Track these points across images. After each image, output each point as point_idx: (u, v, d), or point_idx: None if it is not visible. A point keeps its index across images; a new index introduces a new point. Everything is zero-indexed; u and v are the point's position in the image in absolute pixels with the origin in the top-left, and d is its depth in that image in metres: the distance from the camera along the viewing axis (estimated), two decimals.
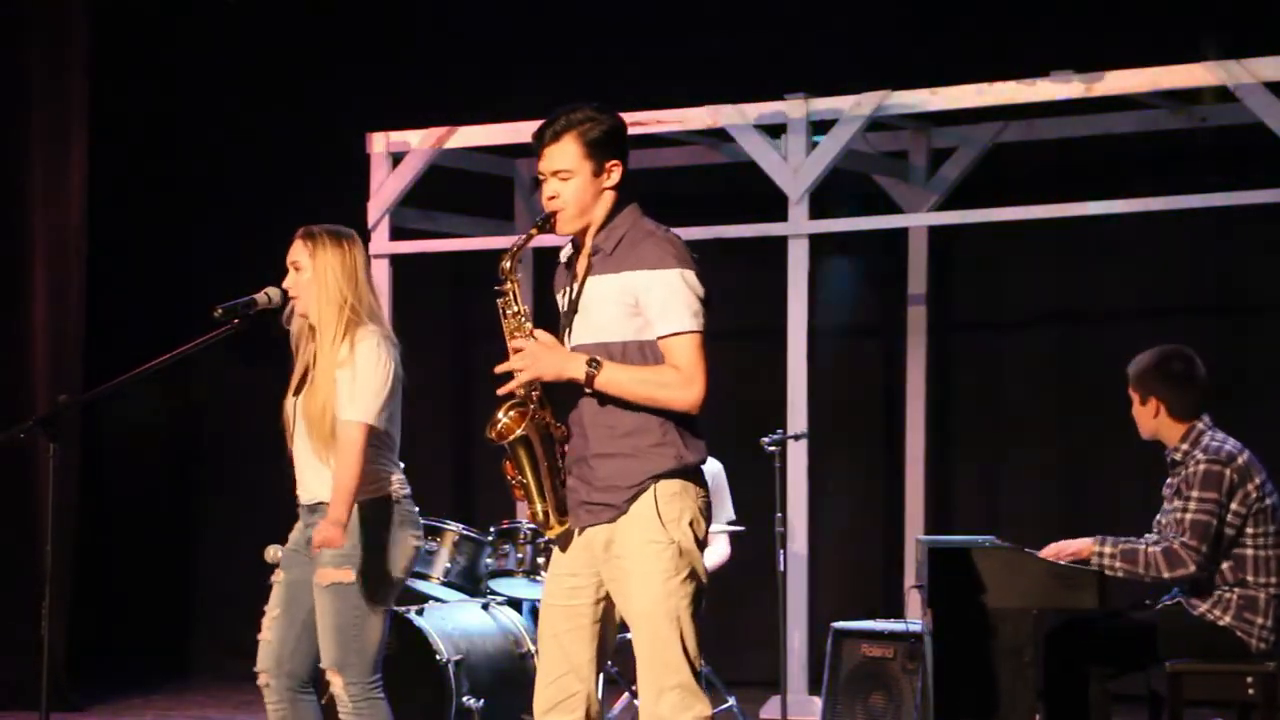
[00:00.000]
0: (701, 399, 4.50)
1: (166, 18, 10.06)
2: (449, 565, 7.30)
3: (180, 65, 10.11)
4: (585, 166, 4.61)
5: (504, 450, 4.65)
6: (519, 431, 4.60)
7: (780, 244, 8.26)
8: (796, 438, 7.95)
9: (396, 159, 9.00)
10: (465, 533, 7.36)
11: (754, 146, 8.34)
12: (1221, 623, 5.86)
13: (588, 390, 4.54)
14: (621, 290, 4.54)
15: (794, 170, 8.21)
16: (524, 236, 4.67)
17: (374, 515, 5.41)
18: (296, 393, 5.44)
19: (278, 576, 5.47)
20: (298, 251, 5.42)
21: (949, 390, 9.16)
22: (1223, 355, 8.24)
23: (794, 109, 8.25)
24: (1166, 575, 5.78)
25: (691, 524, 4.53)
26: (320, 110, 9.87)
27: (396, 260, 9.01)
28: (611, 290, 4.56)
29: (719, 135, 8.81)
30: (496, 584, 7.41)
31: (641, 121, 8.50)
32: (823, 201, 8.36)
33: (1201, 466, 5.82)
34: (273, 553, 5.53)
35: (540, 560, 7.29)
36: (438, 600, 7.48)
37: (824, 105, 8.19)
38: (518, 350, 4.59)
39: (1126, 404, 6.05)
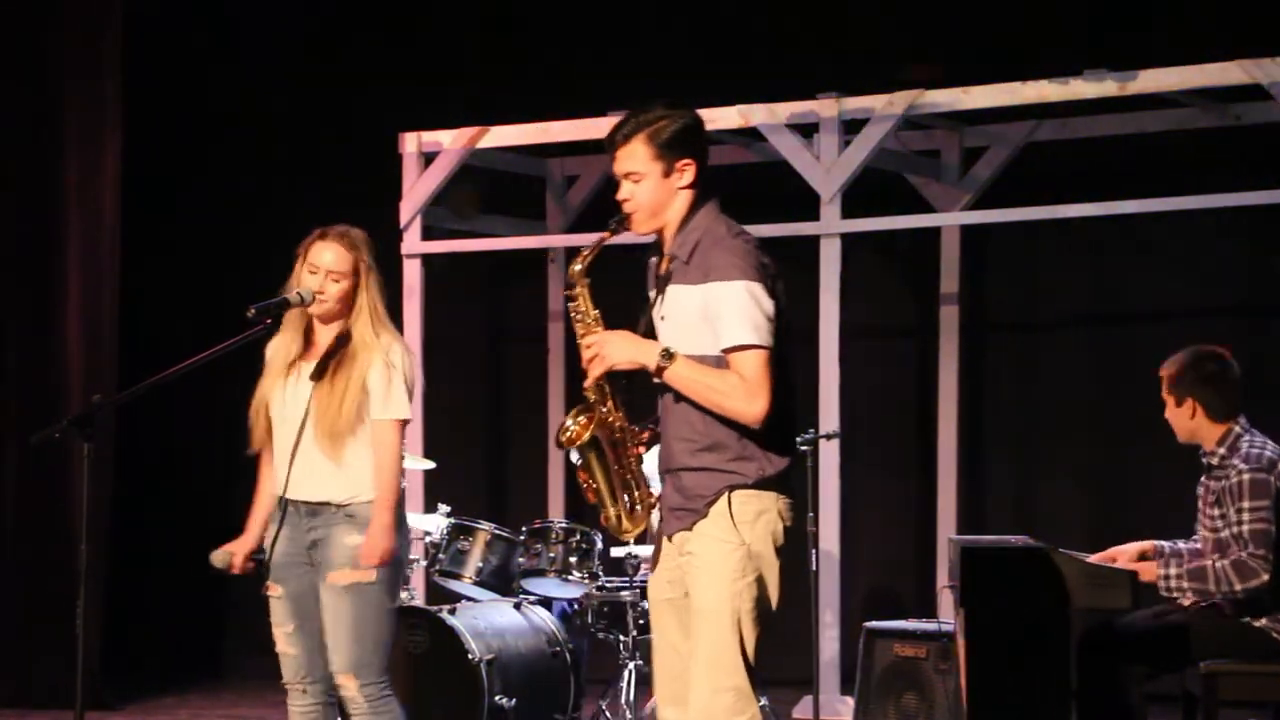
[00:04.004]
0: (765, 414, 4.47)
1: (199, 17, 10.08)
2: (481, 565, 7.31)
3: (213, 65, 10.13)
4: (655, 168, 4.58)
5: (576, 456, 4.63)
6: (586, 436, 4.59)
7: (812, 243, 8.25)
8: (829, 437, 7.93)
9: (429, 159, 9.02)
10: (497, 532, 7.37)
11: (786, 146, 8.33)
12: (1257, 624, 5.83)
13: (655, 379, 4.54)
14: (701, 302, 4.52)
15: (826, 169, 8.20)
16: (597, 239, 4.64)
17: (396, 514, 5.45)
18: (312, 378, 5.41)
19: (275, 591, 5.44)
20: (338, 261, 5.39)
21: (981, 390, 9.14)
22: (1257, 354, 8.20)
23: (826, 108, 8.23)
24: (1239, 587, 5.71)
25: (768, 527, 4.53)
26: (353, 110, 9.89)
27: (428, 260, 9.03)
28: (692, 302, 4.54)
29: (751, 135, 8.80)
30: (528, 583, 7.41)
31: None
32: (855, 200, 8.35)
33: (1246, 476, 5.75)
34: (222, 557, 5.46)
35: (572, 560, 7.29)
36: (470, 599, 7.49)
37: (856, 104, 8.18)
38: (589, 345, 4.57)
39: (1161, 406, 6.01)
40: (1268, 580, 5.72)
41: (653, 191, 4.58)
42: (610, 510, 4.65)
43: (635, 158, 4.59)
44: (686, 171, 4.59)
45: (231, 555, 5.48)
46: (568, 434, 4.62)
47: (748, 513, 4.52)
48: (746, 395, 4.47)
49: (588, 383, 4.58)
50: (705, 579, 4.52)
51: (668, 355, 4.50)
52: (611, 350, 4.55)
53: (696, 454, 4.54)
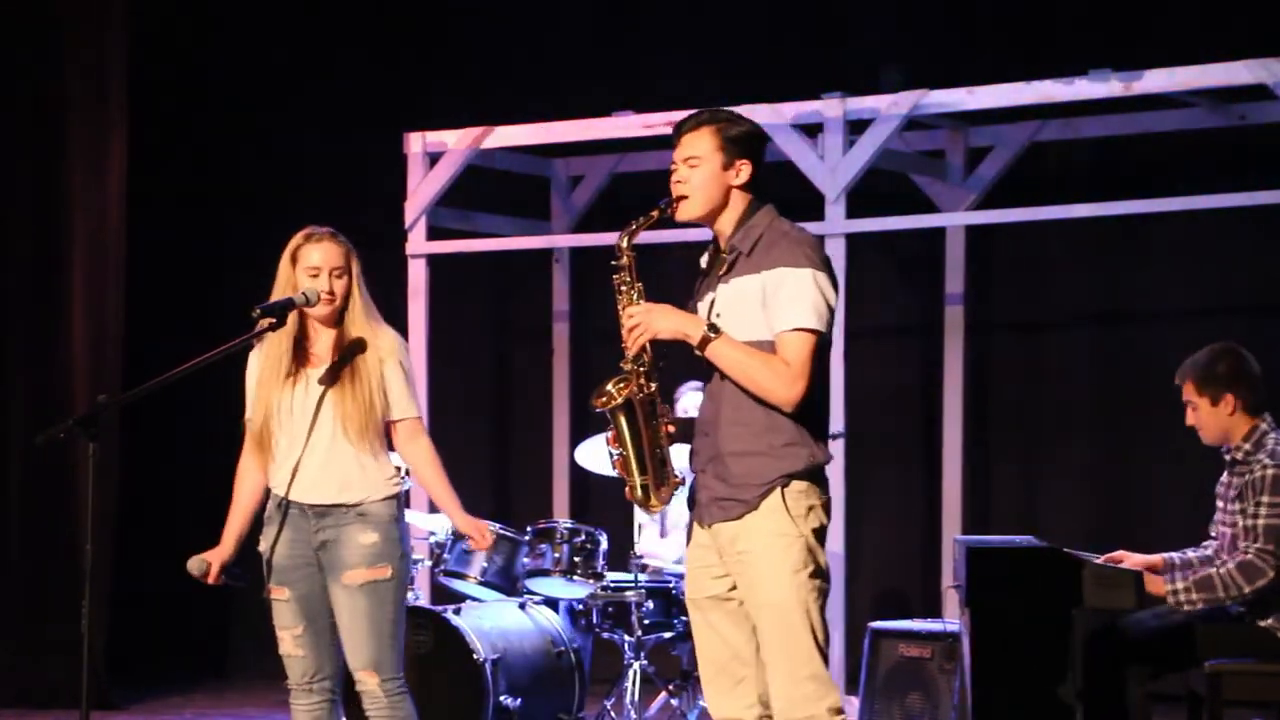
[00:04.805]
0: (800, 400, 4.55)
1: (203, 20, 10.09)
2: (486, 565, 7.31)
3: (216, 66, 10.14)
4: (716, 158, 4.69)
5: (608, 421, 4.70)
6: (620, 400, 4.64)
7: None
8: (834, 437, 7.92)
9: (433, 159, 9.01)
10: (502, 532, 7.37)
11: (791, 146, 8.32)
12: (1262, 623, 5.83)
13: (697, 352, 4.59)
14: (761, 287, 4.59)
15: (831, 169, 8.20)
16: (644, 217, 4.71)
17: (399, 511, 5.48)
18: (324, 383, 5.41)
19: (281, 594, 5.44)
20: (335, 256, 5.42)
21: (987, 389, 9.13)
22: (1264, 355, 8.20)
23: (831, 108, 8.23)
24: (1248, 589, 5.70)
25: (816, 520, 4.60)
26: (357, 110, 9.89)
27: (433, 260, 9.03)
28: (752, 289, 4.61)
29: None
30: (533, 583, 7.42)
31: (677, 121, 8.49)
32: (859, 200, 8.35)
33: (1270, 472, 5.74)
34: (198, 565, 5.43)
35: (577, 560, 7.29)
36: (474, 600, 7.50)
37: (861, 104, 8.17)
38: (631, 315, 4.64)
39: (1175, 408, 6.00)
40: (1274, 577, 5.71)
41: (707, 180, 4.69)
42: (636, 480, 4.69)
43: (699, 144, 4.71)
44: (742, 170, 4.71)
45: (208, 564, 5.46)
46: (604, 396, 4.67)
47: (800, 507, 4.58)
48: (789, 378, 4.54)
49: (629, 355, 4.64)
50: (768, 575, 4.56)
51: (714, 329, 4.57)
52: (655, 320, 4.61)
53: (750, 438, 4.58)
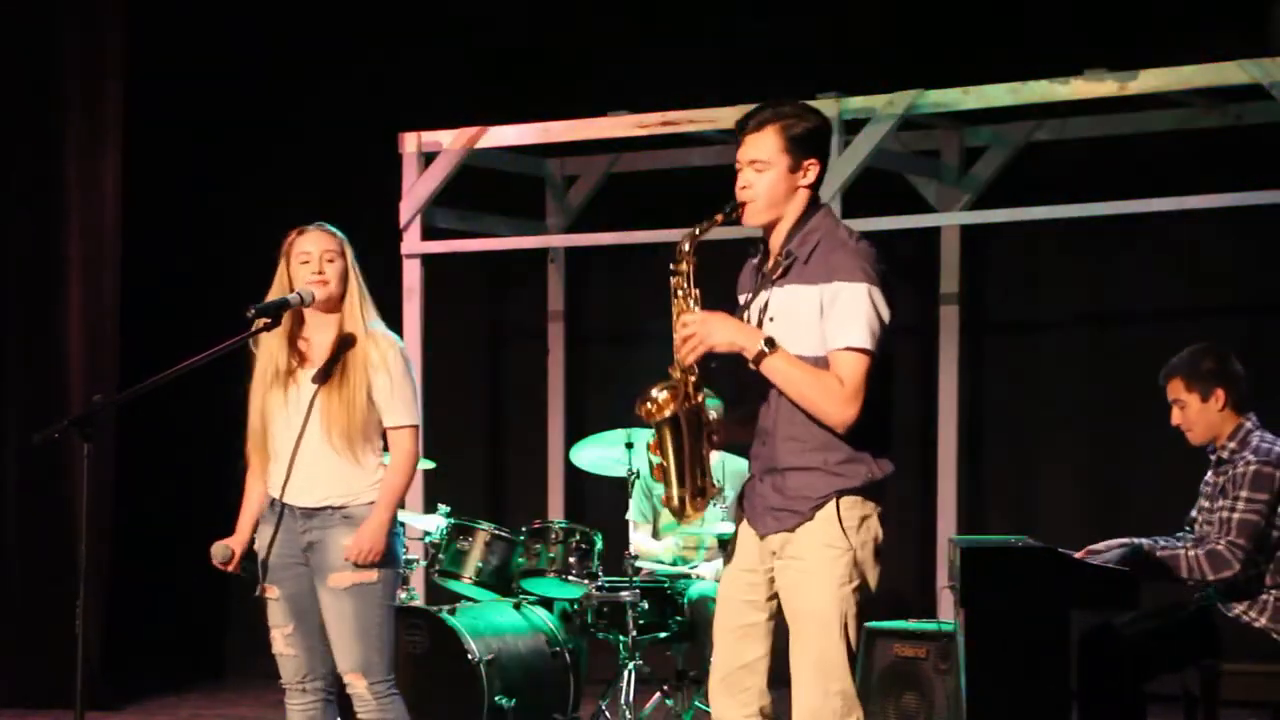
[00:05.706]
0: (853, 421, 4.47)
1: (201, 20, 10.08)
2: (481, 565, 7.31)
3: (214, 65, 10.13)
4: (783, 160, 4.57)
5: (652, 429, 4.61)
6: (668, 413, 4.54)
7: None
8: None
9: (428, 159, 9.01)
10: (497, 532, 7.37)
11: None
12: (1257, 624, 5.83)
13: (751, 366, 4.49)
14: (818, 301, 4.49)
15: (826, 169, 8.19)
16: (707, 221, 4.58)
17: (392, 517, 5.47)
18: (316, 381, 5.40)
19: (273, 593, 5.46)
20: (327, 242, 5.42)
21: (982, 390, 9.13)
22: (1259, 355, 8.21)
23: (826, 108, 8.19)
24: (1211, 577, 5.73)
25: (870, 533, 4.55)
26: (352, 111, 9.89)
27: (428, 260, 9.02)
28: (808, 302, 4.50)
29: None
30: (528, 584, 7.42)
31: (672, 121, 8.49)
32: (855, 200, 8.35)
33: (1252, 468, 5.77)
34: (222, 551, 5.46)
35: (571, 560, 7.29)
36: (469, 600, 7.50)
37: (856, 104, 8.17)
38: (686, 324, 4.51)
39: (1167, 409, 6.01)
40: (1240, 570, 5.74)
41: (774, 184, 4.57)
42: (674, 491, 4.60)
43: (764, 146, 4.57)
44: (810, 171, 4.60)
45: (232, 550, 5.48)
46: (651, 404, 4.55)
47: (854, 518, 4.53)
48: (843, 399, 4.46)
49: (680, 364, 4.52)
50: (813, 585, 4.52)
51: (771, 344, 4.45)
52: (712, 332, 4.49)
53: (806, 454, 4.51)
